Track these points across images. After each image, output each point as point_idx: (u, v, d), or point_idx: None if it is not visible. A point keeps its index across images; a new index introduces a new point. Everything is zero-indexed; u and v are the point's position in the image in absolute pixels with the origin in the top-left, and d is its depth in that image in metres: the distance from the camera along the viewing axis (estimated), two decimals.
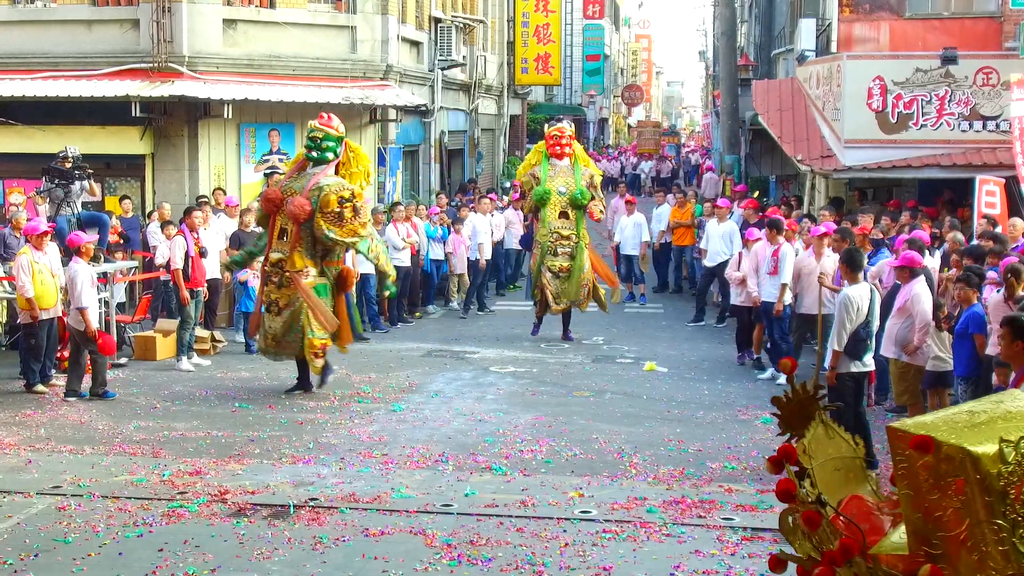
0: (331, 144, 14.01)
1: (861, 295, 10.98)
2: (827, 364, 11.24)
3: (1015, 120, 16.92)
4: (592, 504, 9.71)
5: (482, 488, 10.24)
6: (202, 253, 16.09)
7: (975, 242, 13.37)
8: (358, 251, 14.26)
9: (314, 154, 13.97)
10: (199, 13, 20.75)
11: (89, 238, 14.81)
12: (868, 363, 11.21)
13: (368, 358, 16.61)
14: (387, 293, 16.37)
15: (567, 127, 18.51)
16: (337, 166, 14.05)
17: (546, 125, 18.00)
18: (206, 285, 16.32)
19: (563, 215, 17.82)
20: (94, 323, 14.08)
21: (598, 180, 18.55)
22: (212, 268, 16.80)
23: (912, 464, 3.16)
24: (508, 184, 31.02)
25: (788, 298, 15.10)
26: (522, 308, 20.64)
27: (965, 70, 19.78)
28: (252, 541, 8.80)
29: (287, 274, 13.71)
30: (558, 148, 18.02)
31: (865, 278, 11.64)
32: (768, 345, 15.84)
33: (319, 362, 13.91)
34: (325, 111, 14.95)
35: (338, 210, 13.48)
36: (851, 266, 11.17)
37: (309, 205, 13.49)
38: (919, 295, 11.65)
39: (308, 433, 12.25)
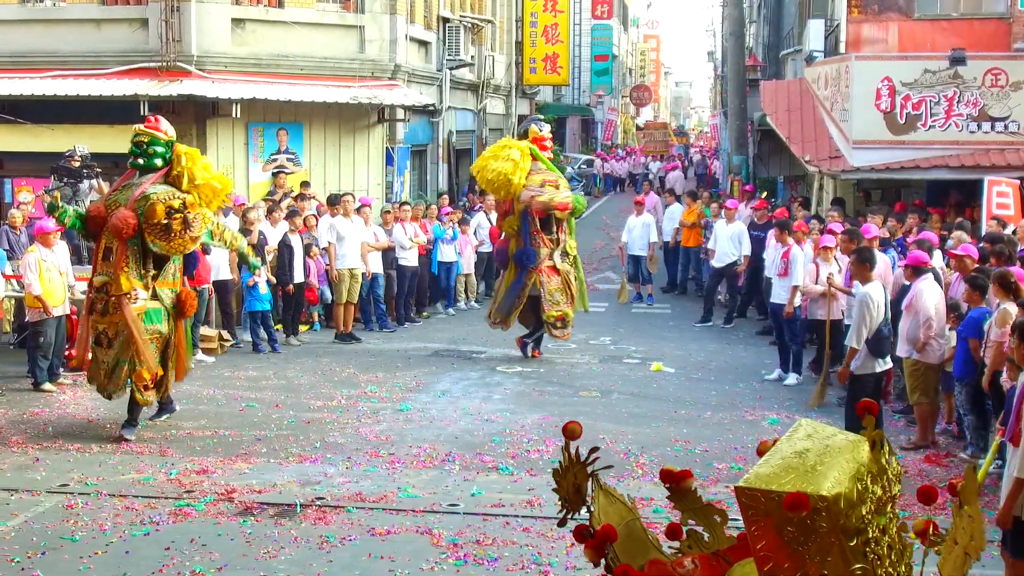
0: (159, 149, 12.23)
1: (878, 293, 11.05)
2: (847, 364, 11.28)
3: None
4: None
5: (488, 488, 10.25)
6: (204, 250, 16.10)
7: (981, 244, 13.33)
8: (205, 244, 12.86)
9: (140, 161, 12.23)
10: (208, 12, 20.76)
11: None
12: (887, 361, 11.26)
13: (375, 358, 16.62)
14: (254, 273, 15.54)
15: (545, 129, 17.30)
16: (168, 174, 12.20)
17: (535, 125, 16.96)
18: (209, 285, 16.35)
19: (546, 221, 16.36)
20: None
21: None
22: (222, 269, 16.82)
23: (773, 521, 3.14)
24: None
25: (798, 300, 15.09)
26: None
27: (974, 71, 19.76)
28: (259, 540, 8.82)
29: (111, 300, 11.87)
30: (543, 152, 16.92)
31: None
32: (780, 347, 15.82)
33: (149, 395, 12.04)
34: (155, 115, 13.79)
35: (165, 222, 11.71)
36: (867, 265, 11.20)
37: (134, 218, 11.69)
38: (922, 291, 11.68)
39: (315, 432, 12.26)
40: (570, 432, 3.87)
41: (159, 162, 12.21)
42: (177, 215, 11.74)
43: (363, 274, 18.46)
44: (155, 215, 11.66)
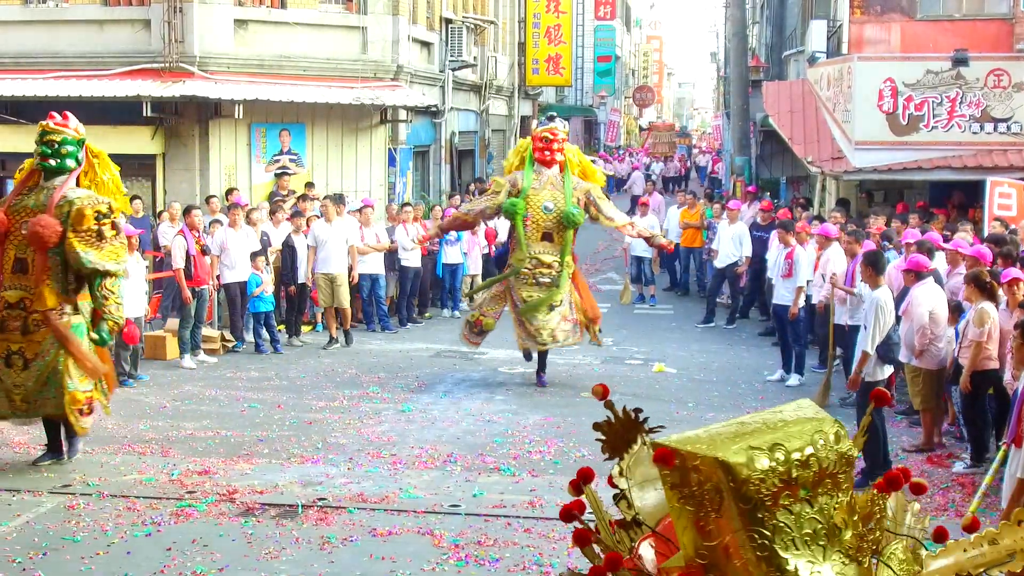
0: (71, 149, 11.12)
1: (889, 298, 11.08)
2: (857, 368, 11.28)
3: None
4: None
5: (490, 488, 10.26)
6: (204, 251, 16.15)
7: (984, 245, 13.33)
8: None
9: (52, 162, 10.97)
10: (210, 13, 20.77)
11: (133, 231, 14.82)
12: (889, 367, 11.27)
13: (377, 359, 16.63)
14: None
15: (561, 128, 15.42)
16: (79, 176, 11.21)
17: (534, 123, 15.37)
18: (209, 286, 16.36)
19: (546, 237, 14.63)
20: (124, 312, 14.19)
21: (597, 191, 15.12)
22: (243, 271, 16.86)
23: (676, 478, 3.15)
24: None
25: (802, 301, 15.10)
26: None
27: (976, 72, 19.75)
28: (260, 541, 8.82)
29: (32, 316, 10.71)
30: (547, 153, 14.73)
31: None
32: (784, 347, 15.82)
33: (87, 420, 11.01)
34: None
35: (96, 227, 10.68)
36: (875, 268, 11.20)
37: (60, 225, 10.60)
38: (916, 297, 11.65)
39: (317, 433, 12.27)
40: (595, 392, 3.87)
41: (71, 163, 11.12)
42: (106, 220, 10.82)
43: (368, 275, 18.47)
44: (84, 220, 10.63)
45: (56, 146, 11.01)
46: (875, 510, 3.15)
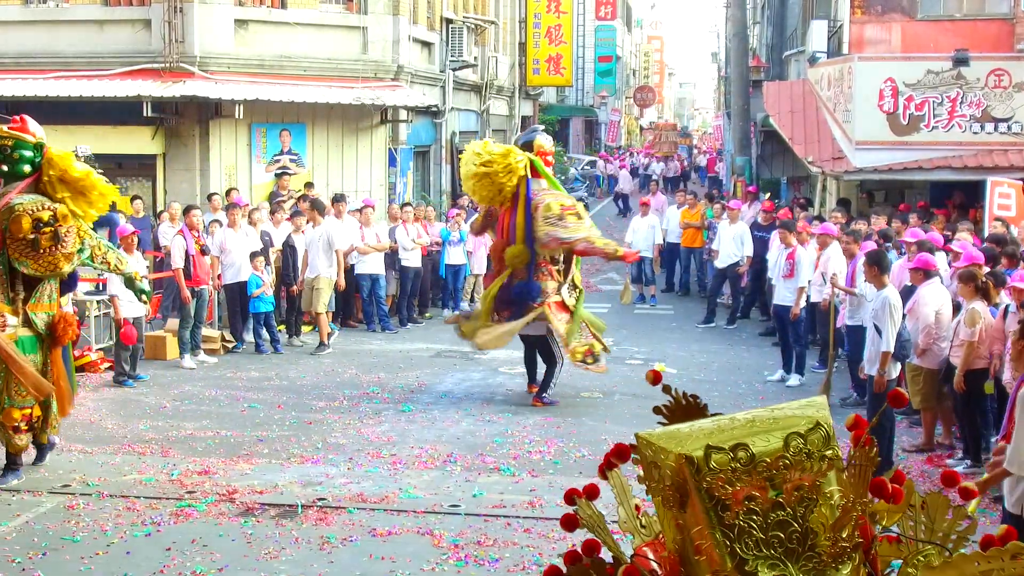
0: (26, 154, 10.40)
1: (897, 296, 11.14)
2: (868, 369, 11.31)
3: None
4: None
5: (490, 489, 10.26)
6: (203, 251, 16.14)
7: (985, 245, 13.33)
8: (84, 264, 11.06)
9: (3, 168, 10.42)
10: (210, 13, 20.78)
11: (129, 230, 15.05)
12: (899, 365, 11.33)
13: (377, 359, 16.63)
14: (143, 298, 12.54)
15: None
16: (38, 180, 10.47)
17: (541, 137, 14.42)
18: (209, 286, 16.35)
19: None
20: (122, 312, 14.37)
21: (552, 209, 13.51)
22: (242, 272, 16.82)
23: (643, 471, 3.19)
24: None
25: (803, 301, 15.09)
26: None
27: (977, 72, 19.74)
28: (260, 541, 8.82)
29: None
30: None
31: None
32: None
33: (21, 439, 10.52)
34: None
35: (32, 236, 10.09)
36: (880, 268, 11.25)
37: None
38: (923, 296, 11.66)
39: (317, 433, 12.26)
40: (648, 378, 3.85)
41: (27, 168, 10.41)
42: (46, 229, 10.14)
43: (368, 275, 18.48)
44: (20, 229, 10.06)
45: (8, 151, 10.37)
46: (853, 516, 3.11)
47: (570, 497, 3.70)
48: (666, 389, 3.77)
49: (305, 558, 8.48)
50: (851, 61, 21.23)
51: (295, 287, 17.32)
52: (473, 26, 30.12)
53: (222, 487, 10.16)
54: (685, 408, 3.81)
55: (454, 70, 28.09)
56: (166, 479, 10.46)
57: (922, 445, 11.91)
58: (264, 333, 17.00)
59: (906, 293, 12.20)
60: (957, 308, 11.72)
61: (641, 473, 3.25)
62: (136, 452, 11.46)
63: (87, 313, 15.80)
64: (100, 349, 15.86)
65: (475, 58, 30.11)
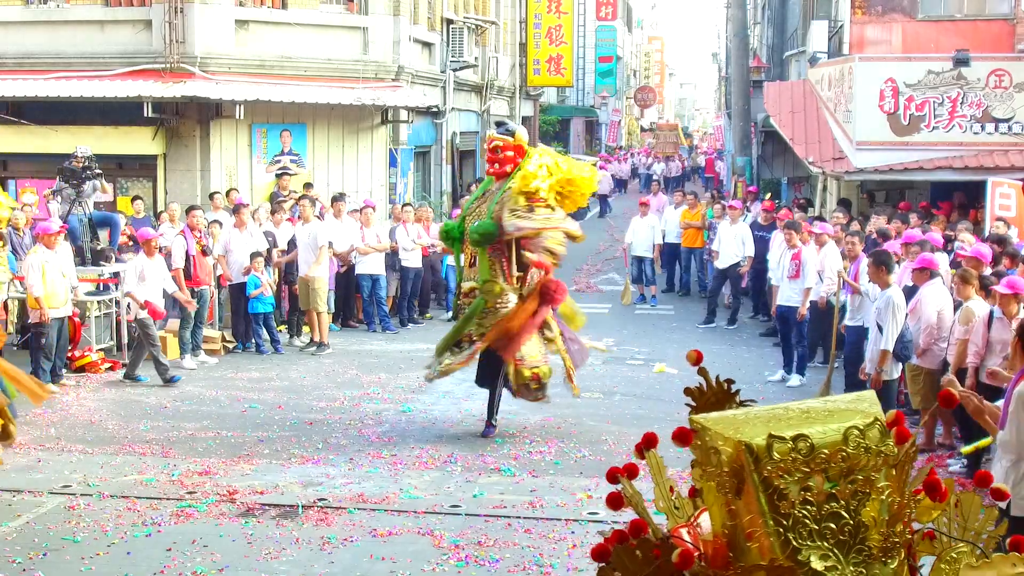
0: None
1: (900, 296, 11.18)
2: (869, 368, 11.34)
3: None
4: (601, 505, 9.69)
5: (490, 489, 10.26)
6: (204, 251, 16.15)
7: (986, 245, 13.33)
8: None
9: None
10: (211, 14, 20.78)
11: (152, 234, 15.37)
12: (900, 365, 11.35)
13: (378, 359, 16.63)
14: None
15: (518, 134, 12.43)
16: None
17: (520, 130, 12.68)
18: (210, 287, 16.36)
19: (472, 261, 12.26)
20: (139, 297, 14.75)
21: (524, 185, 11.74)
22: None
23: (699, 455, 3.21)
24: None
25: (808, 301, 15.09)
26: None
27: (977, 72, 19.73)
28: (260, 541, 8.82)
29: None
30: (495, 165, 12.23)
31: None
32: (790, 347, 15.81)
33: None
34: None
35: None
36: (884, 268, 11.28)
37: None
38: (925, 297, 11.67)
39: (317, 434, 12.26)
40: (689, 358, 3.88)
41: None
42: None
43: (369, 276, 18.48)
44: None
45: None
46: (905, 512, 3.13)
47: (613, 476, 3.69)
48: (702, 372, 3.83)
49: (306, 558, 8.49)
50: (852, 61, 21.22)
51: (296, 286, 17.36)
52: (474, 26, 30.13)
53: (223, 487, 10.16)
54: (717, 393, 3.85)
55: (455, 70, 28.09)
56: (167, 479, 10.46)
57: (923, 445, 11.89)
58: (264, 333, 17.00)
59: (907, 293, 12.21)
60: (958, 308, 11.73)
61: (695, 457, 3.25)
62: (137, 452, 11.46)
63: (87, 313, 15.81)
64: (100, 349, 15.86)
65: (476, 58, 30.11)
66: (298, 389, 14.57)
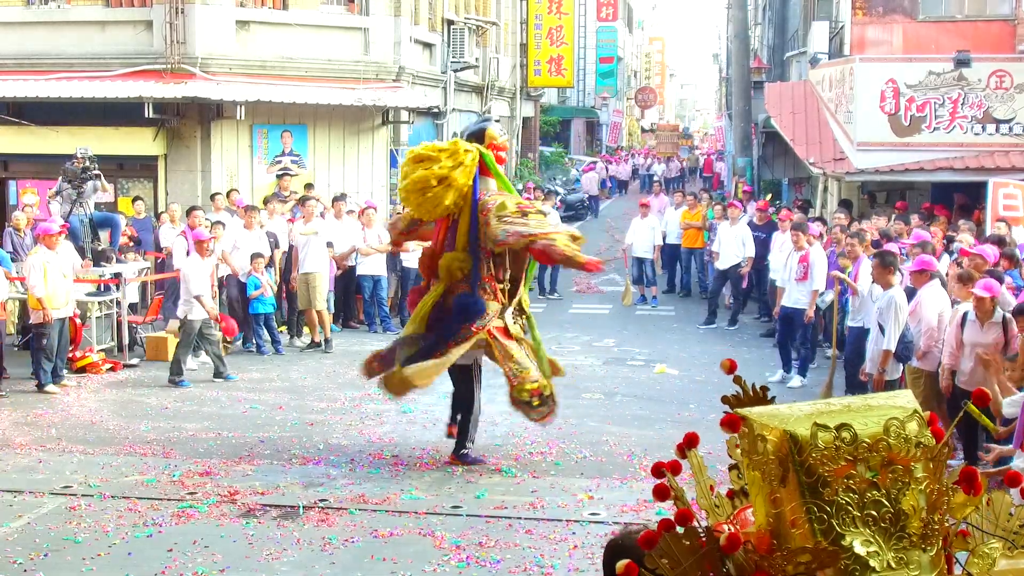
0: None
1: (903, 297, 11.17)
2: (870, 368, 11.33)
3: None
4: (602, 506, 9.70)
5: (492, 490, 10.25)
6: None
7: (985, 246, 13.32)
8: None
9: None
10: (212, 14, 20.80)
11: (208, 235, 15.40)
12: (900, 365, 11.35)
13: None
14: None
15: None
16: None
17: (491, 126, 11.67)
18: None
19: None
20: (213, 309, 14.92)
21: (506, 208, 10.78)
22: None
23: (746, 444, 3.31)
24: (520, 185, 31.02)
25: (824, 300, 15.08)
26: (534, 309, 20.58)
27: (978, 73, 19.74)
28: (261, 542, 8.81)
29: None
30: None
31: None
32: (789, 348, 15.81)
33: None
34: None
35: None
36: (887, 268, 11.30)
37: None
38: (925, 299, 11.65)
39: (318, 434, 12.25)
40: (723, 366, 3.94)
41: None
42: None
43: (370, 276, 18.47)
44: None
45: None
46: (941, 502, 3.19)
47: (658, 470, 3.78)
48: (737, 380, 3.89)
49: (307, 559, 8.48)
50: (852, 62, 21.22)
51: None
52: (474, 27, 30.15)
53: (224, 488, 10.16)
54: (753, 400, 3.91)
55: (455, 71, 28.11)
56: (167, 480, 10.45)
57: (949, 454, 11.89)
58: (265, 334, 16.98)
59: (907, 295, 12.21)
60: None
61: (744, 448, 3.34)
62: (138, 453, 11.46)
63: (88, 314, 15.81)
64: (101, 350, 15.86)
65: (476, 59, 30.14)
66: (299, 390, 14.56)
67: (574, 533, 9.05)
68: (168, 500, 9.82)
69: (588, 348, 17.79)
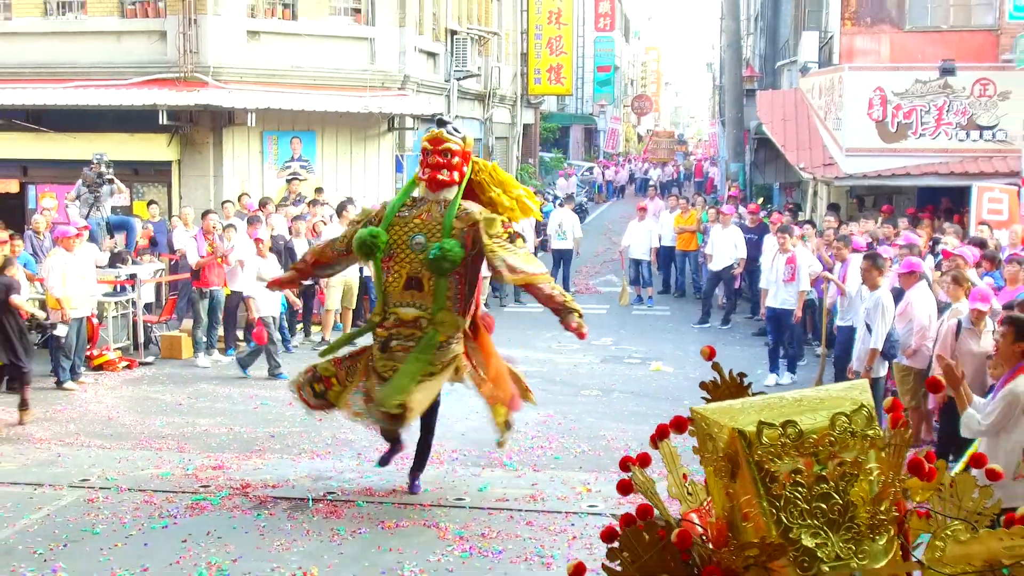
0: None
1: (889, 297, 11.23)
2: (857, 365, 11.37)
3: None
4: (599, 498, 9.72)
5: (494, 483, 10.26)
6: (216, 254, 16.19)
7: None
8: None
9: None
10: (223, 25, 20.83)
11: (264, 236, 15.85)
12: (886, 363, 11.40)
13: None
14: None
15: (455, 135, 9.64)
16: None
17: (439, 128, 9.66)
18: (226, 288, 16.38)
19: (412, 283, 9.41)
20: (254, 311, 15.20)
21: (496, 228, 9.33)
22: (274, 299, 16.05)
23: (698, 442, 3.38)
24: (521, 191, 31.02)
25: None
26: (534, 310, 20.61)
27: (963, 81, 19.79)
28: (272, 532, 8.84)
29: None
30: (427, 170, 9.54)
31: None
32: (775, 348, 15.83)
33: None
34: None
35: None
36: (877, 269, 11.36)
37: None
38: (914, 299, 11.68)
39: (327, 429, 12.27)
40: (703, 353, 4.01)
41: None
42: None
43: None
44: None
45: None
46: (891, 491, 3.21)
47: (625, 464, 3.82)
48: (715, 367, 3.94)
49: (316, 549, 8.50)
50: (841, 71, 21.25)
51: (307, 287, 17.38)
52: (477, 37, 30.15)
53: (236, 481, 10.18)
54: (730, 386, 3.96)
55: (458, 79, 28.12)
56: (182, 473, 10.48)
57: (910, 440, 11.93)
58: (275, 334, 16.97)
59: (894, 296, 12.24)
60: (943, 308, 11.76)
61: (696, 444, 3.39)
62: (153, 447, 11.49)
63: (105, 313, 15.84)
64: (118, 348, 15.90)
65: (478, 68, 30.15)
66: None
67: (573, 524, 9.07)
68: (182, 493, 9.84)
69: (586, 346, 17.78)
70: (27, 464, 10.80)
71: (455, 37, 27.92)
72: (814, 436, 3.13)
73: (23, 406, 12.59)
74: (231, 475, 10.43)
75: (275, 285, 11.17)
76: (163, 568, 8.05)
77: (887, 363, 11.40)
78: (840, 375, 12.82)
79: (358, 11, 23.04)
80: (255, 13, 21.60)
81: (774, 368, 15.37)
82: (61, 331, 14.09)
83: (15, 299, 12.74)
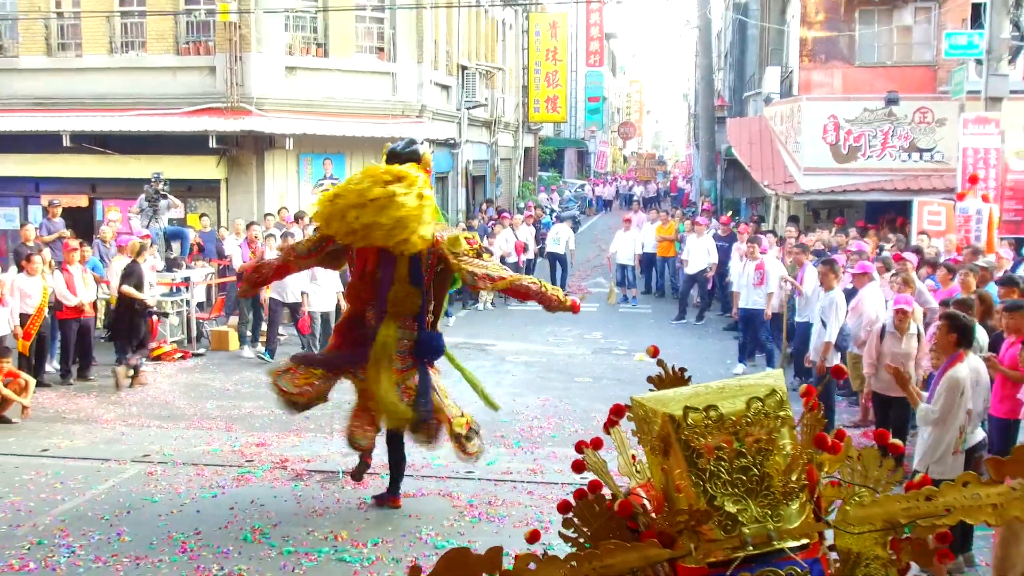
0: None
1: (842, 297, 11.25)
2: (813, 356, 11.42)
3: (964, 151, 16.64)
4: (591, 472, 9.69)
5: (500, 458, 10.27)
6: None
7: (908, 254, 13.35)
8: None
9: None
10: (265, 61, 20.84)
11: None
12: (839, 354, 11.39)
13: None
14: None
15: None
16: None
17: (426, 149, 9.67)
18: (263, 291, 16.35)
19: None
20: (307, 307, 15.25)
21: (461, 244, 8.54)
22: (328, 298, 15.58)
23: (637, 426, 3.48)
24: (522, 204, 31.05)
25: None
26: (533, 309, 20.58)
27: (905, 110, 19.81)
28: (308, 501, 8.84)
29: None
30: None
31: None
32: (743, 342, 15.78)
33: None
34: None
35: None
36: (834, 273, 11.38)
37: None
38: (865, 297, 11.68)
39: None
40: (649, 352, 4.08)
41: None
42: None
43: None
44: None
45: None
46: (799, 463, 3.25)
47: (579, 447, 3.93)
48: (660, 363, 3.98)
49: (345, 515, 8.51)
50: (800, 101, 21.26)
51: None
52: (484, 72, 30.15)
53: (276, 457, 10.19)
54: (673, 379, 4.02)
55: (468, 108, 28.12)
56: (229, 450, 10.49)
57: (859, 421, 11.92)
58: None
59: (847, 295, 12.23)
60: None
61: (635, 428, 3.48)
62: (204, 427, 11.49)
63: (165, 310, 15.84)
64: (174, 342, 15.89)
65: (486, 98, 30.16)
66: None
67: (568, 494, 9.05)
68: (230, 467, 9.85)
69: (579, 340, 17.81)
70: (95, 442, 10.82)
71: (465, 72, 27.92)
72: (733, 417, 3.20)
73: (135, 373, 13.50)
74: (272, 451, 10.44)
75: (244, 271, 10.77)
76: (213, 531, 8.06)
77: (840, 354, 11.38)
78: (798, 365, 12.80)
79: (381, 49, 23.03)
80: (292, 51, 21.61)
81: (742, 359, 15.33)
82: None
83: (125, 288, 13.47)
